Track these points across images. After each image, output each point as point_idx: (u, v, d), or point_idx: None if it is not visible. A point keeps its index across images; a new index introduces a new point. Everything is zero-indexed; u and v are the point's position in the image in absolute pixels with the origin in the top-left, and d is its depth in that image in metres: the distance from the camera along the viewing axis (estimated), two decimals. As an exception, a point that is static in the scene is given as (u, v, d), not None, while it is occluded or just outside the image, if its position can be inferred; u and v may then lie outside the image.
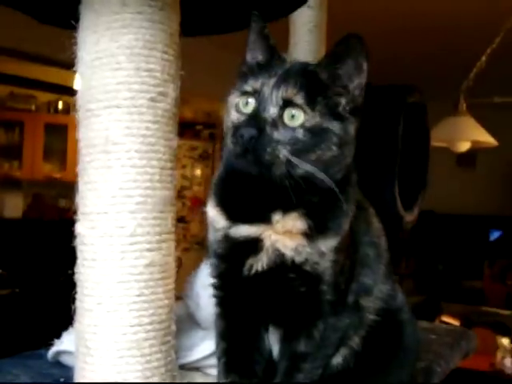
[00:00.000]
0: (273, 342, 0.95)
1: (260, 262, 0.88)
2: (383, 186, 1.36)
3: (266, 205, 0.88)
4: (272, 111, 0.85)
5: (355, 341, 0.96)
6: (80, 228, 0.89)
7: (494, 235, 7.41)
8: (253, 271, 0.89)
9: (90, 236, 0.87)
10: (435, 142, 3.72)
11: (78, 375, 0.89)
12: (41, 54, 3.90)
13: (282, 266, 0.87)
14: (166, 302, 0.89)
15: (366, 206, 1.03)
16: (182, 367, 1.02)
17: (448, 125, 3.45)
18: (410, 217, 1.49)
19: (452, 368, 1.33)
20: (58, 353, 1.09)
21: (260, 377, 0.95)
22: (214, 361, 1.00)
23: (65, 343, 1.07)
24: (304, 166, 0.83)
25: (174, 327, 0.92)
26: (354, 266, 0.94)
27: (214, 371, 1.01)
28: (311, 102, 0.85)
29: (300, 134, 0.83)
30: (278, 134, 0.83)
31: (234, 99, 0.90)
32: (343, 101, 0.87)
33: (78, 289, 0.90)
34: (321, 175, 0.83)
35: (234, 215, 0.90)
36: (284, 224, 0.87)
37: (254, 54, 0.93)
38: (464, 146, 3.56)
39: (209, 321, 1.00)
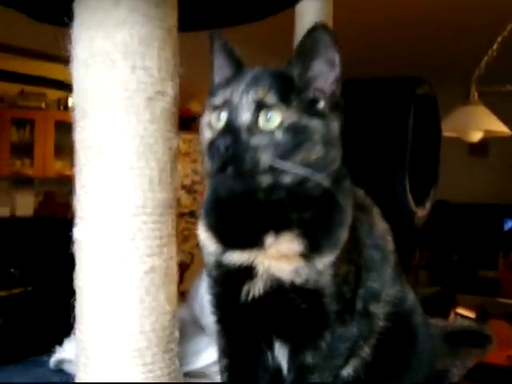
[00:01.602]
0: (281, 356, 0.91)
1: (256, 288, 0.84)
2: (394, 182, 1.32)
3: (257, 227, 0.83)
4: (245, 117, 0.78)
5: (365, 350, 0.92)
6: (77, 233, 0.86)
7: (509, 224, 7.33)
8: (250, 297, 0.85)
9: (88, 241, 0.84)
10: (447, 132, 3.66)
11: (79, 385, 0.86)
12: (49, 52, 3.88)
13: (279, 289, 0.83)
14: (168, 308, 0.86)
15: (369, 207, 0.98)
16: (187, 374, 1.00)
17: (460, 114, 3.38)
18: (422, 212, 1.45)
19: (469, 367, 1.28)
20: (61, 361, 1.06)
21: None
22: (220, 367, 0.97)
23: (67, 351, 1.04)
24: (290, 169, 0.76)
25: (177, 334, 0.89)
26: (360, 271, 0.90)
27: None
28: (285, 100, 0.79)
29: (279, 135, 0.77)
30: (255, 140, 0.77)
31: (206, 118, 0.84)
32: (321, 98, 0.82)
33: (78, 296, 0.87)
34: (313, 176, 0.78)
35: (226, 240, 0.85)
36: (278, 248, 0.82)
37: (222, 73, 0.89)
38: (476, 136, 3.49)
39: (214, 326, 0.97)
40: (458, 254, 7.57)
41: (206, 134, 0.83)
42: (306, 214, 0.82)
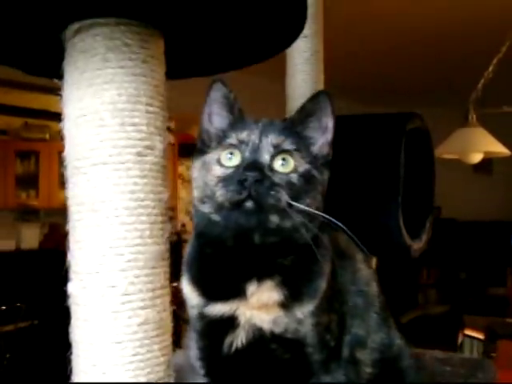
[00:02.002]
0: None
1: (239, 339, 0.86)
2: (387, 217, 1.34)
3: (239, 275, 0.85)
4: (265, 157, 0.84)
5: None
6: (71, 288, 0.88)
7: (516, 240, 7.31)
8: (233, 348, 0.86)
9: (82, 296, 0.86)
10: (447, 155, 3.68)
11: None
12: (51, 86, 3.93)
13: (261, 339, 0.85)
14: (162, 359, 0.87)
15: (352, 253, 0.99)
16: (184, 421, 1.00)
17: (459, 137, 3.41)
18: (417, 245, 1.45)
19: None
20: (60, 411, 1.07)
21: None
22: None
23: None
24: (304, 209, 0.82)
25: (172, 384, 0.90)
26: (343, 318, 0.91)
27: (218, 424, 0.98)
28: (298, 149, 0.86)
29: (294, 178, 0.83)
30: (276, 178, 0.82)
31: (214, 156, 0.88)
32: (318, 156, 0.89)
33: (74, 350, 0.88)
34: (320, 217, 0.85)
35: (208, 292, 0.88)
36: (259, 297, 0.84)
37: (220, 120, 0.93)
38: (476, 158, 3.51)
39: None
40: (466, 271, 7.55)
41: (215, 171, 0.86)
42: (286, 261, 0.85)
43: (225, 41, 1.01)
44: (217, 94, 0.92)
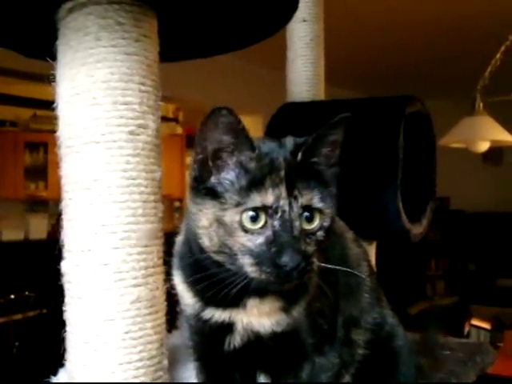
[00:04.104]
0: None
1: (235, 340, 0.86)
2: (386, 200, 1.33)
3: (240, 291, 0.79)
4: (298, 226, 0.75)
5: (346, 378, 0.92)
6: (65, 266, 0.88)
7: (526, 232, 7.26)
8: (230, 347, 0.86)
9: (75, 274, 0.87)
10: (454, 144, 3.66)
11: (70, 415, 0.88)
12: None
13: (258, 339, 0.85)
14: (155, 337, 0.87)
15: (341, 233, 0.99)
16: (179, 400, 1.01)
17: (466, 125, 3.38)
18: (417, 229, 1.45)
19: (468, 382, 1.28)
20: (55, 390, 1.08)
21: None
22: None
23: (61, 380, 1.06)
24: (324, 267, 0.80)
25: (165, 362, 0.90)
26: (337, 300, 0.91)
27: (212, 403, 0.98)
28: (324, 200, 0.79)
29: (321, 235, 0.78)
30: (309, 248, 0.76)
31: (233, 216, 0.76)
32: (334, 176, 0.83)
33: (67, 327, 0.89)
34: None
35: (205, 298, 0.85)
36: (260, 307, 0.83)
37: (229, 155, 0.79)
38: (483, 146, 3.48)
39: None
40: (475, 263, 7.51)
41: (240, 238, 0.76)
42: None
43: (219, 21, 1.01)
44: (223, 123, 0.76)
